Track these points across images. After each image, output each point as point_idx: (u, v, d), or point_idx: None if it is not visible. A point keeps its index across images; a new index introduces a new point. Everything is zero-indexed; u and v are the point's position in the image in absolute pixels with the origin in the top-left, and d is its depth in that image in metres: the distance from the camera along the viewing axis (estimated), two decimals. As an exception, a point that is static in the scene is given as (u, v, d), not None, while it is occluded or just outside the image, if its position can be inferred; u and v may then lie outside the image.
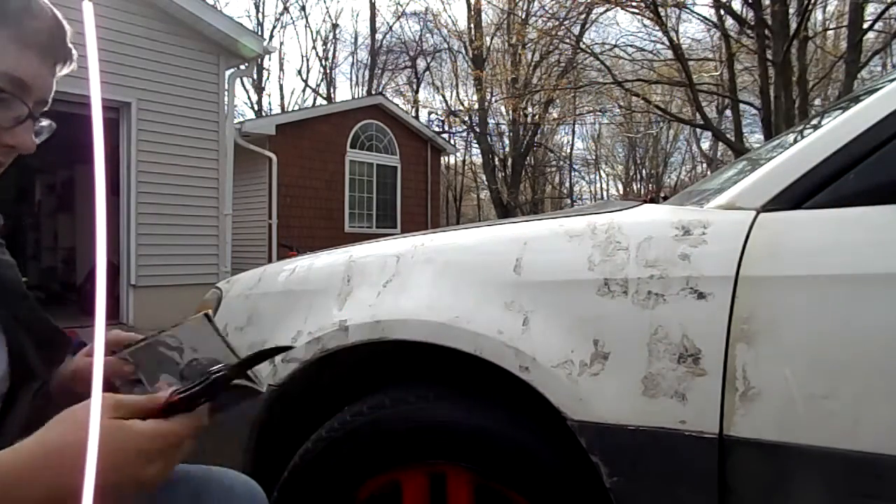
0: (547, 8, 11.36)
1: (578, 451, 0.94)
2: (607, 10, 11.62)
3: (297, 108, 21.39)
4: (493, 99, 17.51)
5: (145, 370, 0.71)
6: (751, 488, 0.85)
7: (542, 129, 19.32)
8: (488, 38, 17.42)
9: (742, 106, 11.58)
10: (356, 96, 20.29)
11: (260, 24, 22.16)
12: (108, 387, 0.74)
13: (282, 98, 24.23)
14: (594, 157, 25.76)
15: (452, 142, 16.58)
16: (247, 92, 21.89)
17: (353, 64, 30.23)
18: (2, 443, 0.72)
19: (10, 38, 0.65)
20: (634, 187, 24.49)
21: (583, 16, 11.97)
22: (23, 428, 0.79)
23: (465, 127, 18.69)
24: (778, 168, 0.95)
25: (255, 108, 22.22)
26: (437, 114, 19.89)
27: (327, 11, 30.99)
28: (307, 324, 1.20)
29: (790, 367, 0.83)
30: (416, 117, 15.55)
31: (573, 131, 22.71)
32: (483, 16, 17.16)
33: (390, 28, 23.15)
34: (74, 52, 0.72)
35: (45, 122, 0.73)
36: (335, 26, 23.56)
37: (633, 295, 0.93)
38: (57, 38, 0.70)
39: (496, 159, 18.21)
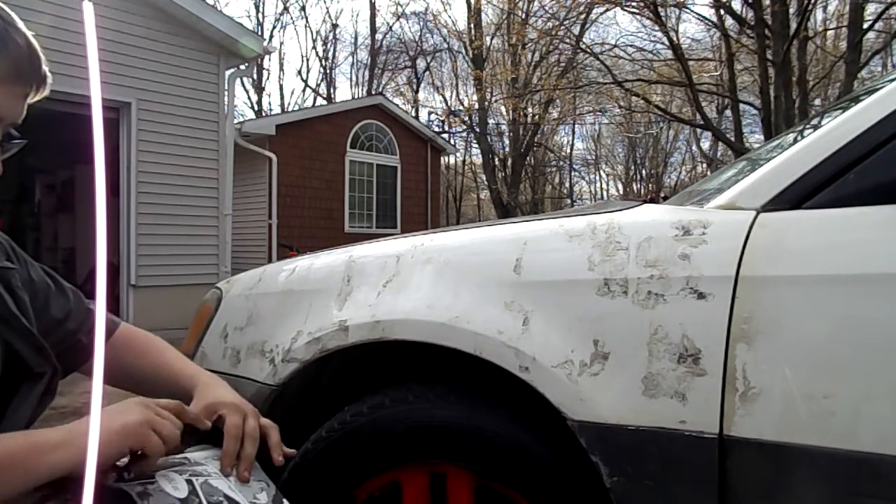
0: (547, 8, 11.36)
1: (578, 451, 0.94)
2: (607, 10, 11.62)
3: (297, 108, 21.39)
4: (493, 99, 17.50)
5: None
6: (751, 488, 0.85)
7: (542, 129, 19.31)
8: (488, 38, 17.42)
9: (742, 106, 11.59)
10: (356, 96, 20.30)
11: (260, 24, 22.19)
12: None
13: (282, 98, 24.27)
14: (594, 157, 25.78)
15: (452, 142, 16.58)
16: (247, 92, 21.92)
17: (353, 64, 30.18)
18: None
19: None
20: (634, 187, 24.48)
21: (583, 16, 11.98)
22: (29, 422, 0.79)
23: (465, 127, 18.68)
24: (778, 168, 0.95)
25: (255, 108, 22.24)
26: (437, 114, 19.92)
27: (327, 11, 30.96)
28: (307, 324, 1.20)
29: (790, 367, 0.83)
30: (416, 117, 15.55)
31: (573, 131, 22.72)
32: (483, 16, 17.15)
33: (390, 28, 23.21)
34: (49, 76, 0.71)
35: (15, 140, 0.72)
36: (335, 26, 23.59)
37: (633, 295, 0.93)
38: (31, 68, 0.69)
39: (496, 159, 18.20)
